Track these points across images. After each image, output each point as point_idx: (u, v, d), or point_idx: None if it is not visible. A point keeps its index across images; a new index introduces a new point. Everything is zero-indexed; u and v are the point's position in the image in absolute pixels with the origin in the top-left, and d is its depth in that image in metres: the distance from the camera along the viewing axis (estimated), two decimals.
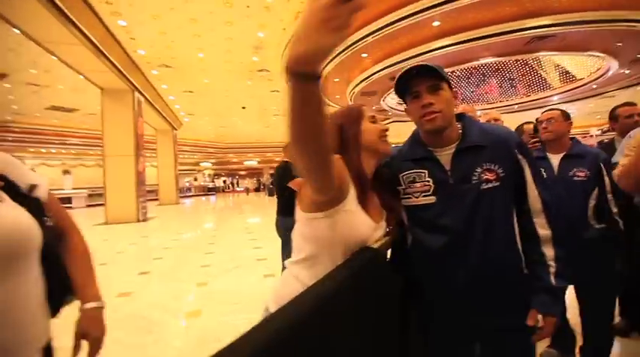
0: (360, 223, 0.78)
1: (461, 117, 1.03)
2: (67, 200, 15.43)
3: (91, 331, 0.80)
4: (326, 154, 0.57)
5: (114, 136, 8.94)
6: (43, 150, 17.16)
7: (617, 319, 2.21)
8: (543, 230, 0.95)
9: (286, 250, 2.65)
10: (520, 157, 0.95)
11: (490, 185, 0.91)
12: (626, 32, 6.38)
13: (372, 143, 0.90)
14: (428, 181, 0.96)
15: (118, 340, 2.27)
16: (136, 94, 9.36)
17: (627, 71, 8.92)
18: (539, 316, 0.90)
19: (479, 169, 0.92)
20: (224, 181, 30.16)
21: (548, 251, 0.94)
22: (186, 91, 11.39)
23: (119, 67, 7.77)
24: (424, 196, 0.96)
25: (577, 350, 1.82)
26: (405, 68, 0.93)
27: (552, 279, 0.92)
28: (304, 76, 0.44)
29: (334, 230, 0.75)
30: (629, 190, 1.47)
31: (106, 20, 6.54)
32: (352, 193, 0.78)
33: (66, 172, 18.58)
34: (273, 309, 0.78)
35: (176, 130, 16.04)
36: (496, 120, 2.52)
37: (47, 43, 6.12)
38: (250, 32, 7.17)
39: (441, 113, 0.92)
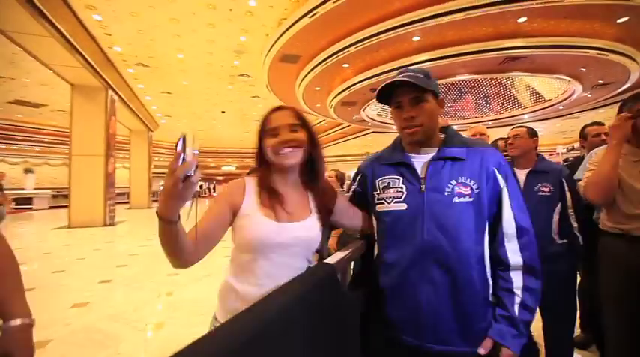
0: (257, 224, 0.83)
1: (445, 128, 1.02)
2: (28, 201, 14.46)
3: (15, 354, 0.70)
4: (181, 253, 0.74)
5: (83, 135, 8.51)
6: (3, 146, 16.06)
7: (577, 331, 2.28)
8: (514, 257, 0.89)
9: None
10: (499, 177, 0.92)
11: (462, 199, 0.88)
12: (589, 59, 6.82)
13: (270, 158, 0.90)
14: (401, 188, 0.94)
15: (66, 356, 2.09)
16: (110, 92, 8.99)
17: (589, 94, 9.52)
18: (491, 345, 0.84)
19: (453, 182, 0.90)
20: (201, 186, 29.40)
21: (517, 279, 0.88)
22: (164, 91, 11.07)
23: (92, 63, 7.44)
24: (396, 202, 0.94)
25: None
26: (388, 80, 0.91)
27: (516, 309, 0.86)
28: (164, 220, 0.66)
29: (238, 234, 0.85)
30: (595, 201, 1.49)
31: (79, 13, 6.26)
32: (250, 200, 0.87)
33: (28, 170, 17.39)
34: (218, 316, 0.90)
35: (152, 131, 15.53)
36: (482, 134, 2.58)
37: (13, 34, 5.78)
38: (232, 36, 7.09)
39: (422, 127, 0.92)
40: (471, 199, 0.88)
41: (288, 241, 0.84)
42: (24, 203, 14.41)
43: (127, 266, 4.51)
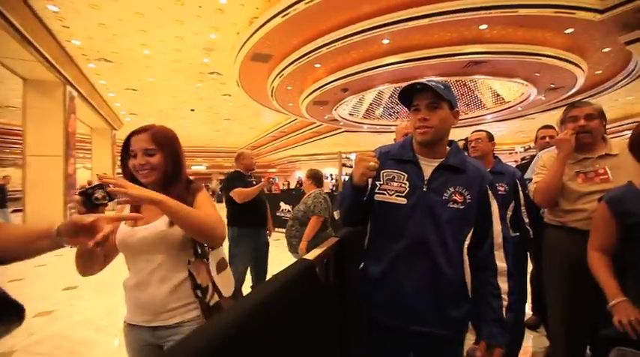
0: (119, 232, 1.03)
1: (451, 142, 1.12)
2: None
3: None
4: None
5: (39, 134, 7.91)
6: None
7: (529, 315, 2.52)
8: (501, 263, 1.02)
9: (232, 263, 2.58)
10: (490, 193, 1.05)
11: (455, 206, 1.00)
12: (542, 65, 7.39)
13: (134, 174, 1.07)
14: (405, 184, 1.04)
15: None
16: (68, 88, 8.44)
17: (543, 97, 10.30)
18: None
19: (451, 189, 1.01)
20: None
21: (503, 284, 1.01)
22: (129, 88, 10.56)
23: (47, 56, 6.95)
24: (397, 195, 1.03)
25: None
26: (411, 82, 1.01)
27: (504, 312, 0.98)
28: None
29: None
30: (542, 205, 1.71)
31: (32, 3, 5.84)
32: (127, 211, 1.06)
33: None
34: None
35: (116, 130, 14.74)
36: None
37: None
38: (202, 33, 6.92)
39: (433, 129, 1.01)
40: (462, 207, 1.00)
41: (137, 242, 1.00)
42: None
43: None
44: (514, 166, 2.67)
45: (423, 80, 1.02)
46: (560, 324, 1.58)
